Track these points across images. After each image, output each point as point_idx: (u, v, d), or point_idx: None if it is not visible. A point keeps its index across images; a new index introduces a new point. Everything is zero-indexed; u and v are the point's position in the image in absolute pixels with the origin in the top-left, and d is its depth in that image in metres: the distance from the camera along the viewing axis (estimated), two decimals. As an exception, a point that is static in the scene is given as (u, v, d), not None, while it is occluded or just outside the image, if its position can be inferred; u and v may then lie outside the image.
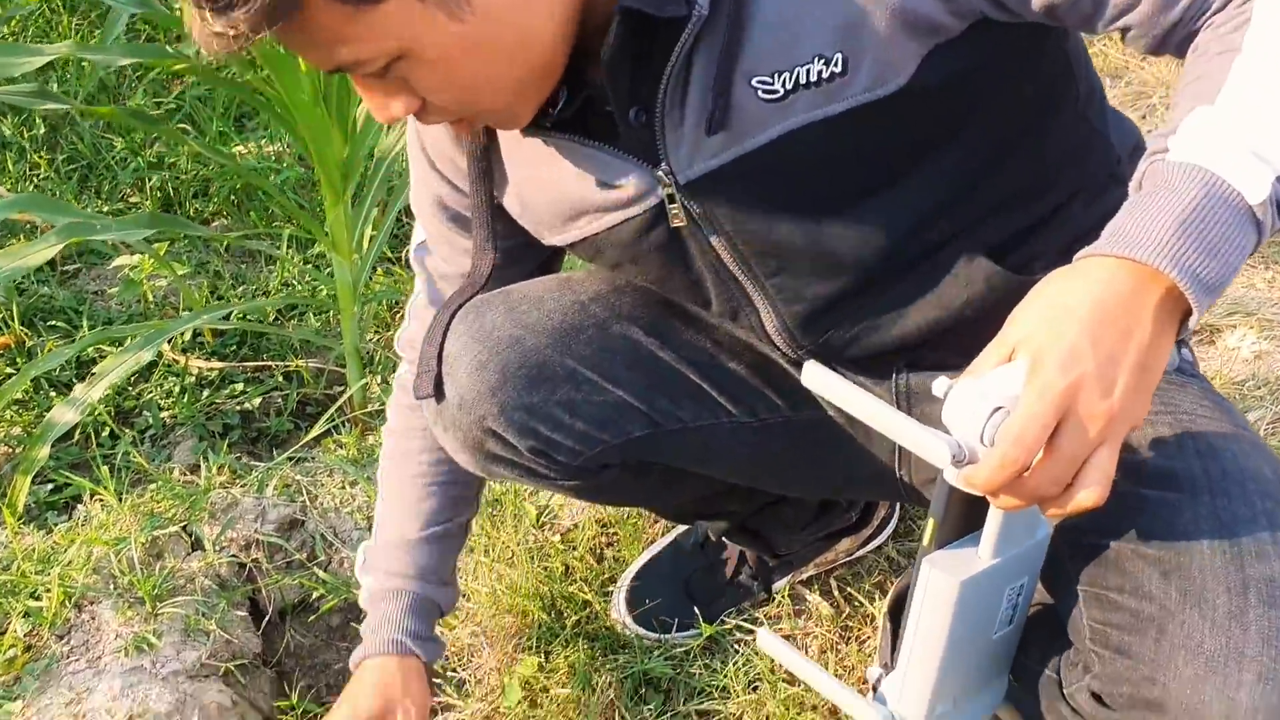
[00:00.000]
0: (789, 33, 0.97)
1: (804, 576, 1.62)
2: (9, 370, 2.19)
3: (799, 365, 1.27)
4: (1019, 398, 0.80)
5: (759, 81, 0.98)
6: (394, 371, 2.13)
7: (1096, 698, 1.01)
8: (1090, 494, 0.80)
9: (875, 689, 1.15)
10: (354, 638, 1.80)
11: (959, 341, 1.12)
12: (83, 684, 1.54)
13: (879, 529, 1.64)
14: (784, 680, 1.49)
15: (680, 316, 1.26)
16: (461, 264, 1.26)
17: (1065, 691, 1.07)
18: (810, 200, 1.05)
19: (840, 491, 1.53)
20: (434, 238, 1.30)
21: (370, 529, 1.82)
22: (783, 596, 1.59)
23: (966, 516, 0.97)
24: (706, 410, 1.27)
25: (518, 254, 1.26)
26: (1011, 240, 1.09)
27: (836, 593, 1.60)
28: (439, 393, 1.21)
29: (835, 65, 0.96)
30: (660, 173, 1.05)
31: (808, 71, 0.97)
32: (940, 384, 0.86)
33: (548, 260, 1.33)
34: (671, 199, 1.06)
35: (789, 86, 0.98)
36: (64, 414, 1.84)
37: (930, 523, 0.99)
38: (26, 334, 2.25)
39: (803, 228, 1.06)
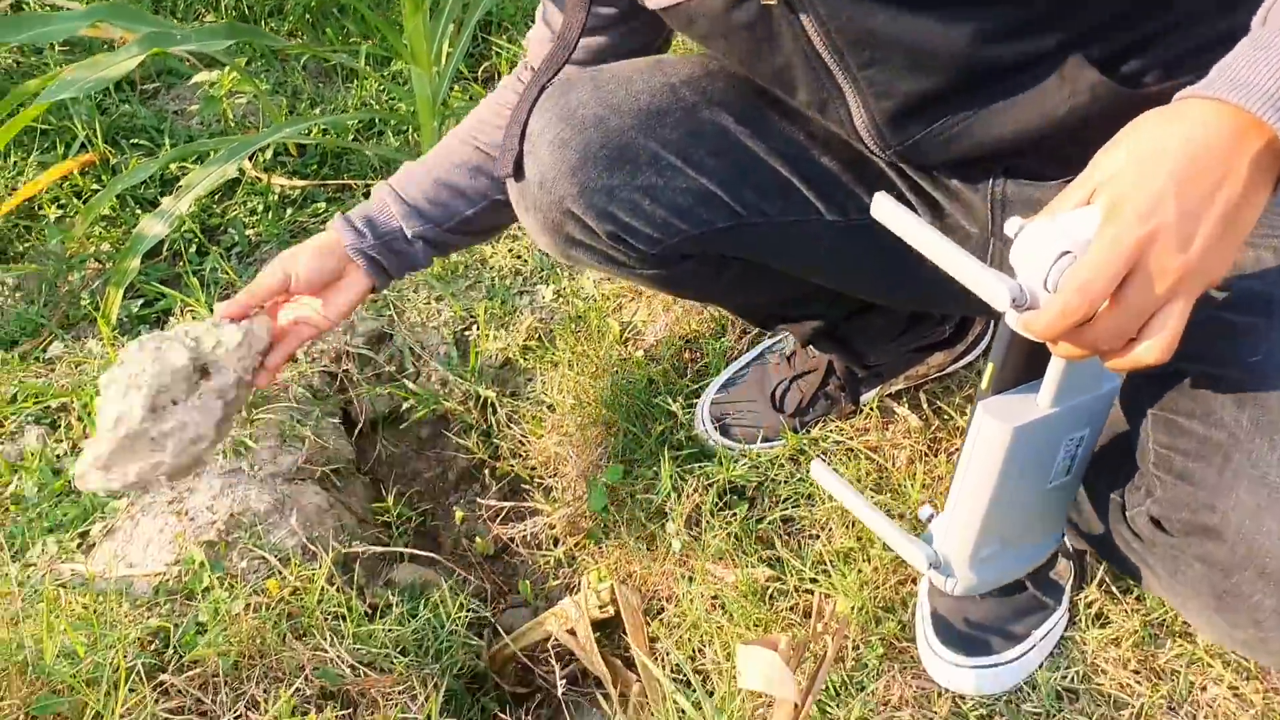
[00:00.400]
0: None
1: (893, 390, 1.60)
2: (95, 186, 2.21)
3: (894, 168, 1.23)
4: (1089, 244, 0.76)
5: None
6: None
7: (1155, 523, 0.99)
8: (1152, 350, 0.77)
9: (925, 524, 1.14)
10: (443, 447, 1.85)
11: (1058, 151, 1.07)
12: (184, 484, 1.59)
13: (973, 345, 1.61)
14: (871, 489, 1.49)
15: (775, 107, 1.21)
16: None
17: (1127, 515, 1.05)
18: None
19: (930, 302, 1.48)
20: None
21: (456, 343, 1.85)
22: (871, 409, 1.57)
23: (1028, 363, 0.95)
24: (794, 206, 1.23)
25: (612, 23, 1.22)
26: (1122, 52, 1.01)
27: (926, 406, 1.58)
28: (519, 172, 1.19)
29: None
30: None
31: None
32: (1013, 223, 0.82)
33: (643, 49, 1.28)
34: None
35: None
36: (152, 226, 1.85)
37: (989, 366, 0.96)
38: (110, 152, 2.26)
39: (900, 18, 1.00)
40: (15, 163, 2.25)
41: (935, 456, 1.52)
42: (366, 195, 2.20)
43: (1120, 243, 0.74)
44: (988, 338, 1.63)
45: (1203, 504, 0.91)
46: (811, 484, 1.51)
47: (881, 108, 1.08)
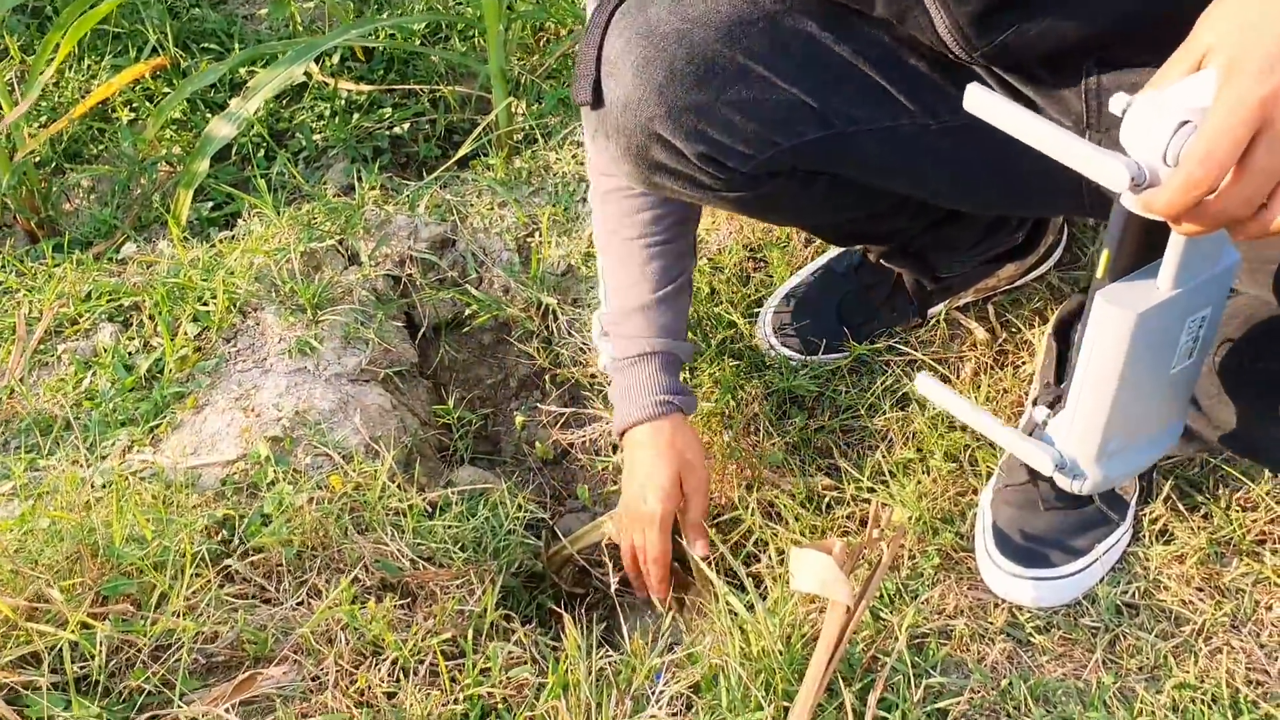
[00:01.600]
0: None
1: (961, 303, 1.57)
2: (165, 90, 2.23)
3: (984, 68, 1.18)
4: (1208, 110, 0.72)
5: None
6: (540, 99, 2.11)
7: None
8: None
9: (1042, 427, 1.10)
10: (505, 353, 1.85)
11: (1154, 36, 1.02)
12: (250, 381, 1.62)
13: (1045, 256, 1.57)
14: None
15: (858, 10, 1.18)
16: None
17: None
18: None
19: (1023, 204, 1.42)
20: None
21: (519, 249, 1.84)
22: (937, 321, 1.55)
23: (1145, 245, 0.90)
24: (884, 111, 1.19)
25: None
26: None
27: (993, 318, 1.55)
28: (598, 98, 1.15)
29: None
30: None
31: None
32: (1119, 99, 0.78)
33: None
34: None
35: None
36: (221, 128, 1.86)
37: (1105, 253, 0.92)
38: (181, 55, 2.28)
39: None
40: (89, 66, 2.27)
41: (1001, 369, 1.50)
42: (433, 103, 2.19)
43: (1244, 103, 0.70)
44: (1059, 250, 1.58)
45: None
46: (872, 394, 1.49)
47: (964, 11, 1.04)
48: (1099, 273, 0.93)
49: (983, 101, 0.86)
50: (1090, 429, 1.03)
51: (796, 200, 1.32)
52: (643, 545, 1.37)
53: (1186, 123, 0.74)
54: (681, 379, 1.40)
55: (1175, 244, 0.87)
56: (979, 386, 1.46)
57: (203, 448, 1.54)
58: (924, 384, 1.12)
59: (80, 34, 1.84)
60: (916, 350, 1.53)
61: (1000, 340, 1.52)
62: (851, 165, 1.25)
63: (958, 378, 1.49)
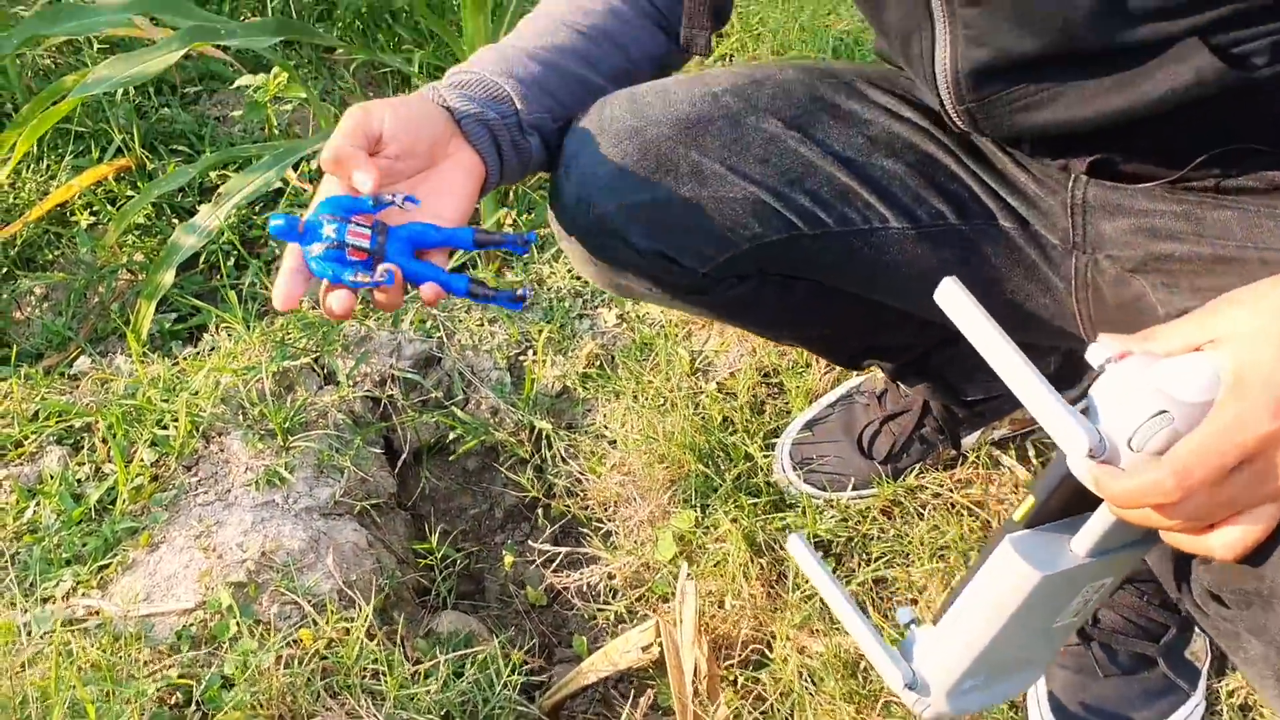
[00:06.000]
0: None
1: (997, 435, 1.44)
2: (130, 193, 2.09)
3: (965, 148, 1.08)
4: (1196, 413, 0.64)
5: None
6: (530, 210, 1.99)
7: (1212, 595, 0.85)
8: (1230, 547, 0.66)
9: (906, 631, 0.99)
10: (491, 480, 1.70)
11: (1142, 141, 0.94)
12: (212, 516, 1.46)
13: (1088, 390, 1.45)
14: (977, 549, 1.34)
15: (829, 110, 1.08)
16: None
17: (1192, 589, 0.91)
18: None
19: (1020, 325, 1.31)
20: None
21: (510, 369, 1.70)
22: (975, 456, 1.42)
23: (1073, 504, 0.81)
24: (855, 212, 1.09)
25: None
26: (1232, 22, 0.86)
27: (1035, 457, 1.42)
28: (557, 196, 1.08)
29: None
30: None
31: None
32: (1099, 349, 0.69)
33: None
34: None
35: None
36: (188, 237, 1.72)
37: (1029, 500, 0.82)
38: (148, 156, 2.15)
39: None
40: (48, 166, 2.13)
41: (1046, 513, 1.36)
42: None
43: (1245, 431, 0.62)
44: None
45: (1250, 572, 0.76)
46: (908, 541, 1.35)
47: (971, 55, 0.94)
48: (1016, 514, 0.83)
49: (954, 300, 0.75)
50: (954, 663, 0.93)
51: (776, 308, 1.22)
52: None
53: (1163, 412, 0.65)
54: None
55: (1103, 517, 0.79)
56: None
57: (156, 593, 1.37)
58: (794, 547, 0.99)
59: (40, 132, 1.71)
60: (953, 490, 1.39)
61: (1043, 480, 1.39)
62: (822, 270, 1.15)
63: (1001, 525, 1.35)
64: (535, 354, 1.71)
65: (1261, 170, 0.91)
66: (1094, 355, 0.70)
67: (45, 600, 1.39)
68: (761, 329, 1.46)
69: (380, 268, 0.91)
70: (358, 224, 0.91)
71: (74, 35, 1.90)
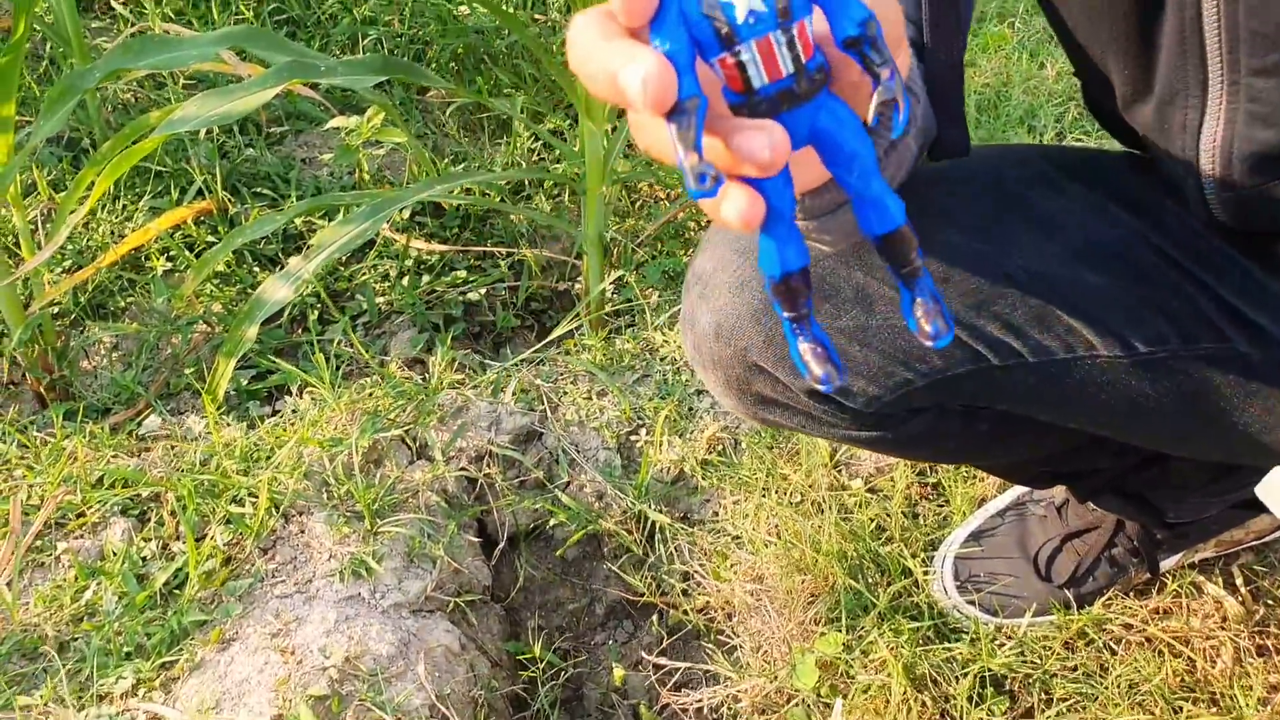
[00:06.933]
0: None
1: (1200, 557, 1.24)
2: (210, 239, 1.96)
3: (1189, 250, 0.89)
4: None
5: None
6: (636, 269, 1.83)
7: None
8: None
9: None
10: (592, 572, 1.52)
11: None
12: (291, 611, 1.29)
13: (1309, 507, 1.25)
14: (1181, 694, 1.13)
15: (1020, 211, 0.90)
16: None
17: None
18: None
19: (1250, 455, 1.13)
20: None
21: (620, 449, 1.53)
22: (1175, 582, 1.22)
23: None
24: (1055, 339, 0.90)
25: None
26: None
27: (1243, 586, 1.22)
28: (690, 321, 0.93)
29: None
30: None
31: None
32: None
33: None
34: None
35: None
36: (276, 290, 1.56)
37: None
38: (230, 200, 2.01)
39: None
40: (125, 206, 2.00)
41: (1264, 657, 1.16)
42: (511, 265, 1.92)
43: None
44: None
45: None
46: (1099, 684, 1.15)
47: (1252, 136, 0.76)
48: None
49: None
50: None
51: (954, 440, 1.03)
52: None
53: None
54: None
55: None
56: (1244, 681, 1.12)
57: (227, 700, 1.20)
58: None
59: (120, 171, 1.57)
60: (1148, 623, 1.19)
61: (1258, 615, 1.19)
62: (1012, 402, 0.96)
63: (1210, 664, 1.15)
64: (650, 434, 1.53)
65: None
66: None
67: (101, 698, 1.24)
68: (931, 459, 1.29)
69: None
70: None
71: (159, 70, 1.77)
